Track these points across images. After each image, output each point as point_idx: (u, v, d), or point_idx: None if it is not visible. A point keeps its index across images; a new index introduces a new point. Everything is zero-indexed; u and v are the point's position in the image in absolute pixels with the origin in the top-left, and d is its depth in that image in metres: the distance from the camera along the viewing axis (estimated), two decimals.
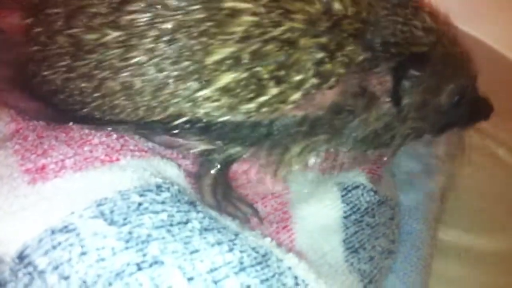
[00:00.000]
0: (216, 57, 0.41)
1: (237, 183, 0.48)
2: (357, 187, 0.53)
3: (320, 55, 0.42)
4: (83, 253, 0.34)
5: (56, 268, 0.34)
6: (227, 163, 0.48)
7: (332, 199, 0.51)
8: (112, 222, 0.36)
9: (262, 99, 0.42)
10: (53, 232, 0.35)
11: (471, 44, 0.52)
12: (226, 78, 0.41)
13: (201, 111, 0.42)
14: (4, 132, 0.44)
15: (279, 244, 0.42)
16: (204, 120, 0.43)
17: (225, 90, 0.41)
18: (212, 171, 0.48)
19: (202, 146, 0.46)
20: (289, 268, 0.40)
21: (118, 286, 0.33)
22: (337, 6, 0.43)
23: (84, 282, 0.33)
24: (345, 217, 0.50)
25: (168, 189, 0.39)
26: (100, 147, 0.42)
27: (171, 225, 0.37)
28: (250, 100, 0.42)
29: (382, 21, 0.45)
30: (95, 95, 0.44)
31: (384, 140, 0.49)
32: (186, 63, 0.41)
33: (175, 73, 0.41)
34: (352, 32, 0.43)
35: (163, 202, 0.38)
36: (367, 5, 0.44)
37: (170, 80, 0.41)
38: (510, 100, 0.57)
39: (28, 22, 0.47)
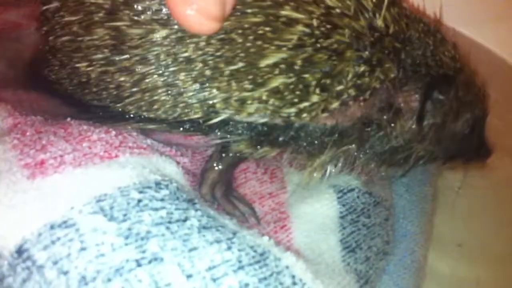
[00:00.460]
0: (270, 61, 0.42)
1: (235, 182, 0.48)
2: (352, 190, 0.53)
3: (362, 68, 0.44)
4: (83, 249, 0.34)
5: (55, 263, 0.33)
6: (236, 161, 0.49)
7: (329, 199, 0.51)
8: (112, 218, 0.36)
9: (304, 104, 0.44)
10: (52, 227, 0.35)
11: (471, 47, 0.53)
12: (277, 82, 0.43)
13: (246, 111, 0.44)
14: (2, 126, 0.44)
15: (278, 243, 0.42)
16: (243, 120, 0.45)
17: (274, 92, 0.43)
18: (220, 167, 0.48)
19: (237, 146, 0.47)
20: (287, 267, 0.40)
21: (117, 282, 0.33)
22: (379, 23, 0.45)
23: (83, 277, 0.33)
24: (341, 217, 0.50)
25: (167, 186, 0.39)
26: (98, 143, 0.42)
27: (170, 222, 0.37)
28: (293, 104, 0.44)
29: (415, 42, 0.47)
30: (134, 89, 0.44)
31: (399, 158, 0.51)
32: (241, 63, 0.42)
33: (228, 72, 0.42)
34: (391, 50, 0.45)
35: (162, 199, 0.38)
36: (405, 25, 0.47)
37: (222, 78, 0.43)
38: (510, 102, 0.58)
39: (52, 10, 0.46)
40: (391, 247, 0.55)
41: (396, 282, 0.55)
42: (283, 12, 0.42)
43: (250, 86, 0.43)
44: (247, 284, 0.37)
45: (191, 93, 0.43)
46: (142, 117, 0.45)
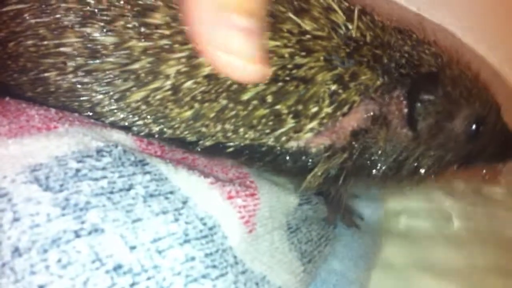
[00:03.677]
0: (247, 96, 0.42)
1: (194, 155, 0.46)
2: None
3: (333, 87, 0.43)
4: (16, 219, 0.32)
5: None
6: None
7: (292, 188, 0.51)
8: (47, 188, 0.33)
9: (279, 131, 0.44)
10: None
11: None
12: (253, 115, 0.43)
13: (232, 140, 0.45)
14: None
15: (244, 207, 0.41)
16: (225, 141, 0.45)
17: (250, 126, 0.44)
18: None
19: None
20: (231, 247, 0.39)
21: (54, 253, 0.31)
22: (355, 33, 0.44)
23: (17, 248, 0.31)
24: (299, 205, 0.50)
25: (110, 152, 0.37)
26: (37, 117, 0.39)
27: (112, 192, 0.35)
28: (268, 134, 0.44)
29: (394, 45, 0.46)
30: (113, 107, 0.43)
31: (408, 171, 0.49)
32: (224, 101, 0.43)
33: (214, 113, 0.43)
34: (370, 58, 0.44)
35: (103, 168, 0.36)
36: (381, 31, 0.46)
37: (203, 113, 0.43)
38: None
39: (11, 13, 0.43)
40: (333, 233, 0.56)
41: (342, 262, 0.55)
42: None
43: (232, 127, 0.43)
44: (193, 258, 0.36)
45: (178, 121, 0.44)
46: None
